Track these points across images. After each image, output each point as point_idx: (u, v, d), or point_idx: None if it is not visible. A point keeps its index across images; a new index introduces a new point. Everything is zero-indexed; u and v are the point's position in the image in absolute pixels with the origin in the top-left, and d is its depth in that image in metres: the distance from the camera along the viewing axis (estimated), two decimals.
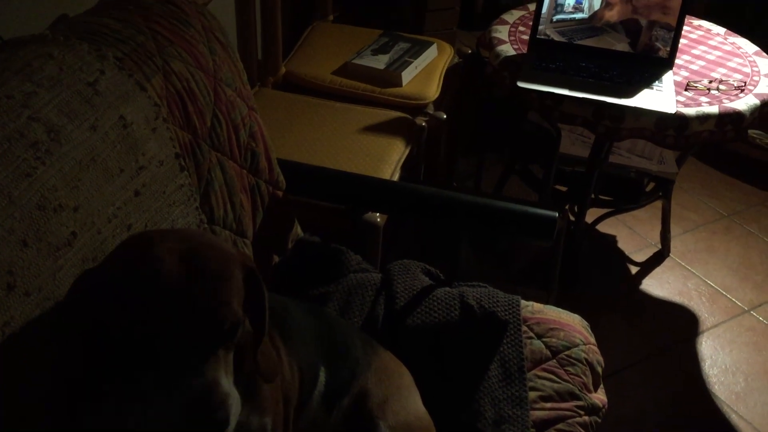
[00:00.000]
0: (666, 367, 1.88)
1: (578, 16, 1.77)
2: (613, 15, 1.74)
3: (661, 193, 2.09)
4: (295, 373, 0.90)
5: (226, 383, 0.70)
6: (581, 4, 1.76)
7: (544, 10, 1.77)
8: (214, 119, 1.15)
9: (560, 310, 1.32)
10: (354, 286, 1.31)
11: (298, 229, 1.41)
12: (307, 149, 1.66)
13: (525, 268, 1.88)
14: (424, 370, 1.11)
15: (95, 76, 0.96)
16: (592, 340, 1.27)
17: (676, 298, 2.07)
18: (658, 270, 2.16)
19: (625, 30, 1.75)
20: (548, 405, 1.14)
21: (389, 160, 1.65)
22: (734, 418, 1.76)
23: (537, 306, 1.32)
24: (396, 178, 1.64)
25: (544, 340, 1.23)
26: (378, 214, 1.48)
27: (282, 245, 1.37)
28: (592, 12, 1.76)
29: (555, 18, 1.77)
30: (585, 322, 1.31)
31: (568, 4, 1.76)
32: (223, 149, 1.17)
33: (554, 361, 1.20)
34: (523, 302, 1.30)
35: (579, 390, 1.17)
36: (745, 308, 2.05)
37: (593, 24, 1.77)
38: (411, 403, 1.03)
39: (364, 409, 0.97)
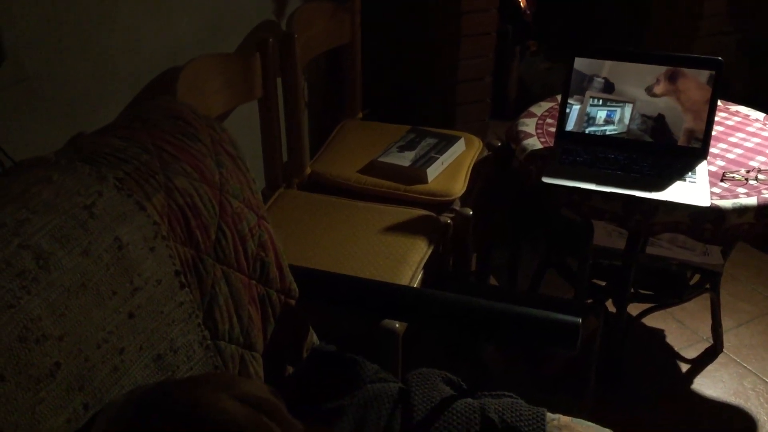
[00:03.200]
0: None
1: (609, 129, 1.72)
2: (643, 121, 1.69)
3: (708, 286, 1.97)
4: None
5: None
6: (612, 117, 1.71)
7: (573, 124, 1.74)
8: (219, 232, 1.14)
9: (589, 424, 1.22)
10: (370, 399, 1.25)
11: (313, 337, 1.38)
12: (326, 253, 1.64)
13: (558, 370, 1.78)
14: None
15: (92, 199, 0.96)
16: None
17: (732, 399, 1.92)
18: (710, 368, 2.02)
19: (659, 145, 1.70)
20: None
21: (410, 261, 1.61)
22: None
23: (564, 420, 1.22)
24: (418, 279, 1.59)
25: None
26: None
27: (296, 355, 1.33)
28: (622, 125, 1.72)
29: (587, 131, 1.73)
30: None
31: (600, 116, 1.72)
32: (229, 262, 1.15)
33: None
34: (549, 415, 1.22)
35: None
36: None
37: (626, 137, 1.72)
38: None
39: None
